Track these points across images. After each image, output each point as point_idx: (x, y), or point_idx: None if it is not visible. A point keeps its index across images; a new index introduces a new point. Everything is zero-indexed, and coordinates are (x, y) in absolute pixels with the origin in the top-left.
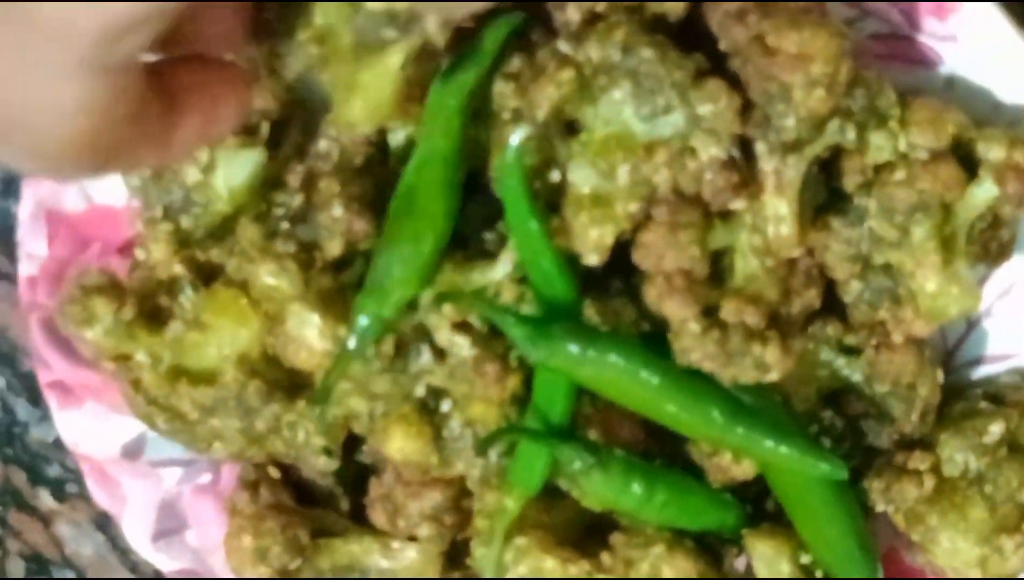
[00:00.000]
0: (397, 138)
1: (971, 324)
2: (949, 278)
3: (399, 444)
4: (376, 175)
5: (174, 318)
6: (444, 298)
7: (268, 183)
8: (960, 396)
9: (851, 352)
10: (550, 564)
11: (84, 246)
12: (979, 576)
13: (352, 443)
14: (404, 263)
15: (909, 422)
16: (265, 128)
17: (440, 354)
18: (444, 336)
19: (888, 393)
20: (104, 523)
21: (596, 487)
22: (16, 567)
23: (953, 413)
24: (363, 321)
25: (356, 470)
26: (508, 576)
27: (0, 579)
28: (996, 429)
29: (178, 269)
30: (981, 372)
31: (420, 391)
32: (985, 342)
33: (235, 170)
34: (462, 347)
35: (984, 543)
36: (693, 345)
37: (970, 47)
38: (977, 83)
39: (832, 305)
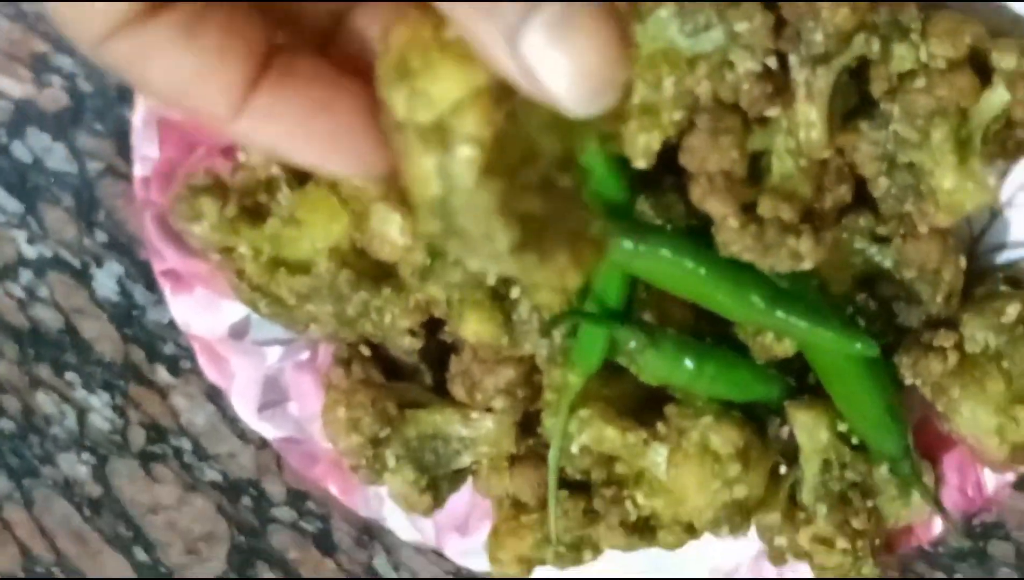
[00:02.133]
0: None
1: (994, 213)
2: (965, 176)
3: (474, 327)
4: None
5: (272, 215)
6: None
7: None
8: (982, 280)
9: (882, 241)
10: (610, 432)
11: (191, 149)
12: (996, 442)
13: (434, 324)
14: None
15: (935, 304)
16: None
17: None
18: None
19: (916, 277)
20: (215, 395)
21: (651, 364)
22: (136, 434)
23: (976, 295)
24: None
25: (438, 348)
26: (573, 443)
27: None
28: (1013, 310)
29: (275, 170)
30: (1003, 257)
31: (491, 279)
32: (1008, 230)
33: None
34: None
35: (1001, 413)
36: (733, 238)
37: None
38: None
39: (865, 199)
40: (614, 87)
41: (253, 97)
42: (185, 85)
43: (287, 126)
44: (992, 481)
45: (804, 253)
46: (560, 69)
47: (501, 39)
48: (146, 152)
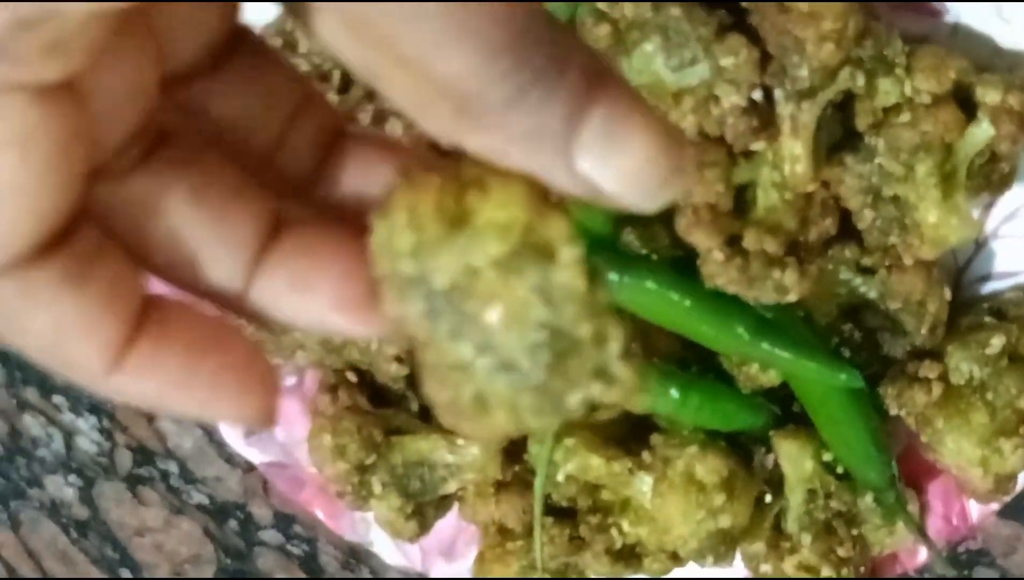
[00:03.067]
0: None
1: (979, 245)
2: (949, 210)
3: None
4: None
5: None
6: None
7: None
8: (968, 311)
9: (867, 272)
10: (595, 461)
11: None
12: (980, 473)
13: None
14: None
15: (920, 335)
16: (336, 75)
17: None
18: None
19: (901, 309)
20: (202, 421)
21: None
22: (123, 457)
23: (960, 326)
24: None
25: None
26: (559, 472)
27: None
28: (998, 341)
29: None
30: (988, 288)
31: None
32: (992, 261)
33: None
34: None
35: (985, 444)
36: (718, 271)
37: None
38: (979, 31)
39: (850, 231)
40: (680, 172)
41: (129, 352)
42: (61, 339)
43: (163, 380)
44: (977, 509)
45: (789, 286)
46: (622, 173)
47: (554, 165)
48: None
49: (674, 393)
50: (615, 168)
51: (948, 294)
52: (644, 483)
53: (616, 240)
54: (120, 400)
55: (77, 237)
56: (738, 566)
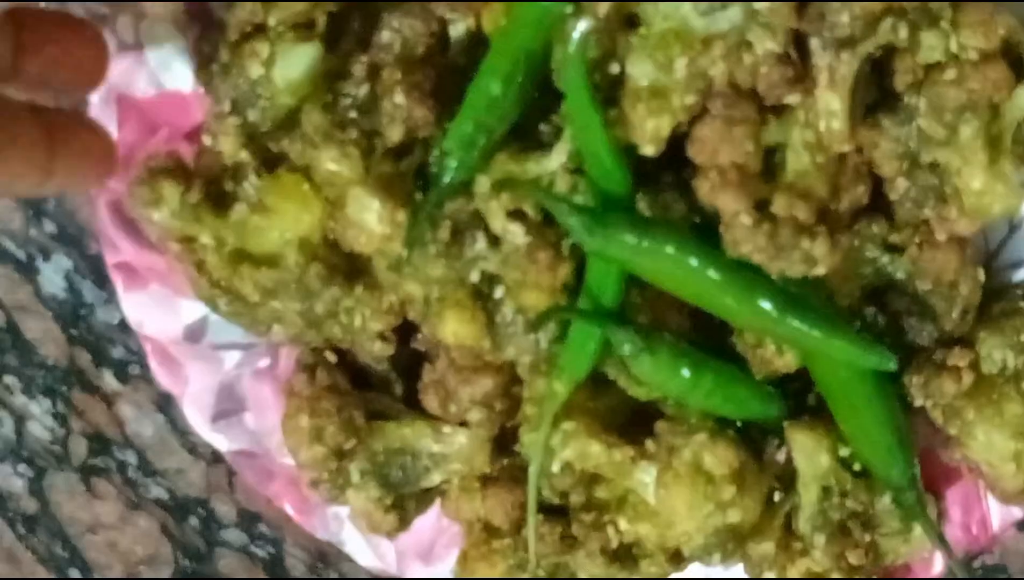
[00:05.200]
0: (458, 30)
1: (1012, 227)
2: (994, 176)
3: (453, 328)
4: (436, 65)
5: (238, 202)
6: (502, 186)
7: (332, 75)
8: (1000, 296)
9: (895, 250)
10: (596, 448)
11: (153, 130)
12: (1013, 469)
13: (407, 330)
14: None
15: (950, 319)
16: (322, 22)
17: (495, 241)
18: (499, 224)
19: (930, 290)
20: (165, 405)
21: (645, 371)
22: (78, 445)
23: (993, 312)
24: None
25: (410, 357)
26: (555, 460)
27: None
28: None
29: (244, 156)
30: (1021, 274)
31: (474, 277)
32: None
33: (291, 64)
34: (516, 235)
35: (1019, 438)
36: (744, 237)
37: None
38: None
39: (877, 204)
40: None
41: None
42: None
43: None
44: (998, 518)
45: (819, 257)
46: None
47: None
48: None
49: (685, 372)
50: None
51: (982, 276)
52: (647, 474)
53: (634, 200)
54: None
55: None
56: (736, 570)
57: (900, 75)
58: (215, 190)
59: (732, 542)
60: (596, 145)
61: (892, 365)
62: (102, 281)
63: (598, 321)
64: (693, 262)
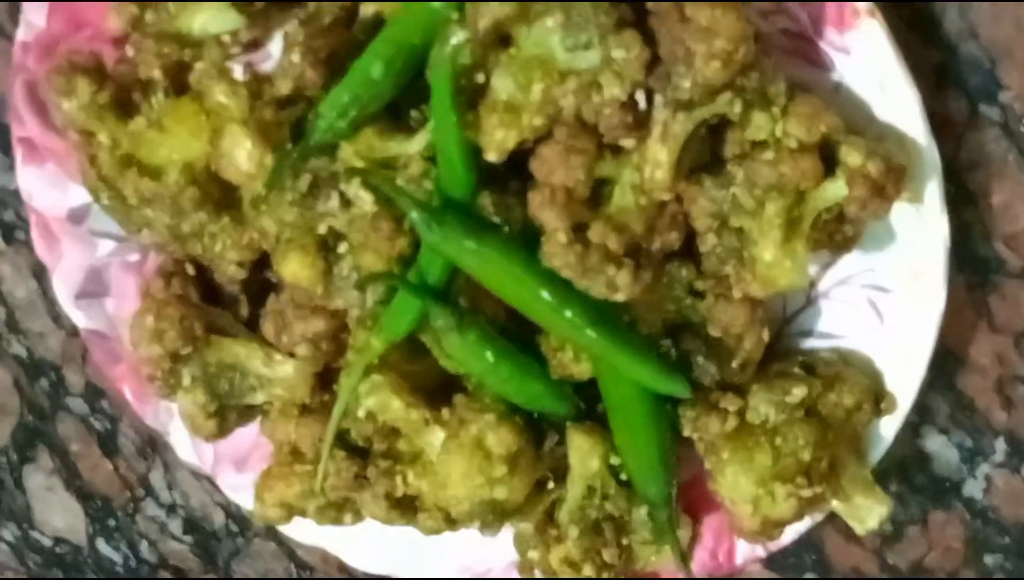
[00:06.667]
0: (367, 10)
1: (809, 300)
2: (785, 253)
3: (293, 268)
4: (339, 36)
5: (140, 114)
6: (356, 173)
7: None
8: (781, 359)
9: (698, 295)
10: (396, 404)
11: (79, 27)
12: (750, 511)
13: (263, 259)
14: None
15: (731, 368)
16: None
17: (347, 203)
18: (353, 188)
19: (719, 338)
20: (40, 273)
21: (453, 347)
22: None
23: (770, 371)
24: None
25: (260, 285)
26: (360, 406)
27: None
28: (799, 392)
29: (157, 75)
30: (806, 344)
31: (322, 229)
32: (817, 319)
33: (213, 24)
34: (365, 202)
35: (761, 485)
36: (557, 253)
37: (860, 63)
38: (859, 95)
39: (691, 252)
40: None
41: None
42: None
43: None
44: (743, 553)
45: (620, 285)
46: None
47: None
48: (33, 18)
49: (489, 357)
50: None
51: (767, 336)
52: (436, 437)
53: (473, 203)
54: None
55: None
56: (510, 547)
57: (729, 145)
58: (124, 97)
59: (493, 515)
60: (449, 142)
61: (686, 391)
62: (7, 149)
63: (419, 294)
64: (515, 269)
